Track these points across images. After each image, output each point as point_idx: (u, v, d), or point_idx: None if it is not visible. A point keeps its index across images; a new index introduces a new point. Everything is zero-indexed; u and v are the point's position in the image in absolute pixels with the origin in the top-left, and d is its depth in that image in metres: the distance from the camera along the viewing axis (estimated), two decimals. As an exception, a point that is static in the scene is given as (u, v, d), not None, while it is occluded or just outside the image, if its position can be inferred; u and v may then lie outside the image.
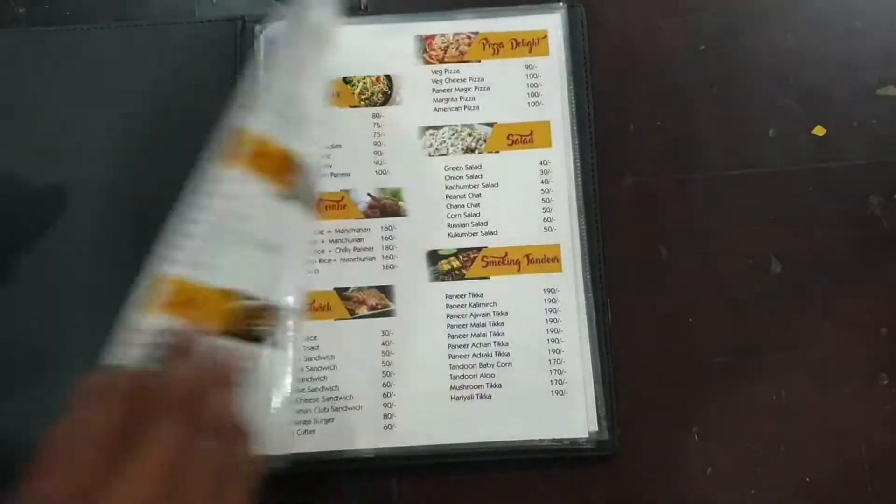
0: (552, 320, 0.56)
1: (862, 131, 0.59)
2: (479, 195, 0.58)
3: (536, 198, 0.58)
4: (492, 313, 0.57)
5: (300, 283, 0.46)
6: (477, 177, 0.58)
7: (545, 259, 0.57)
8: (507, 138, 0.59)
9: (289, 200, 0.45)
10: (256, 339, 0.42)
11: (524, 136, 0.59)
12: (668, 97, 0.61)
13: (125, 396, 0.32)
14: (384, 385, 0.56)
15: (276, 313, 0.43)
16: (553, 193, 0.58)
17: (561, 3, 0.60)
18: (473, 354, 0.56)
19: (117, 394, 0.32)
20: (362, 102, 0.59)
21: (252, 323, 0.42)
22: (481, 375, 0.56)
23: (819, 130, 0.60)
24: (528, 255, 0.57)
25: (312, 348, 0.56)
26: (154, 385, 0.34)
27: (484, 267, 0.57)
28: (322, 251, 0.57)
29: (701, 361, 0.57)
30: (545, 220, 0.58)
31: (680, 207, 0.59)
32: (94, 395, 0.32)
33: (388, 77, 0.60)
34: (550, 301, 0.56)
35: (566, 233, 0.57)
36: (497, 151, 0.59)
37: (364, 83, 0.60)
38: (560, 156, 0.58)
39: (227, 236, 0.43)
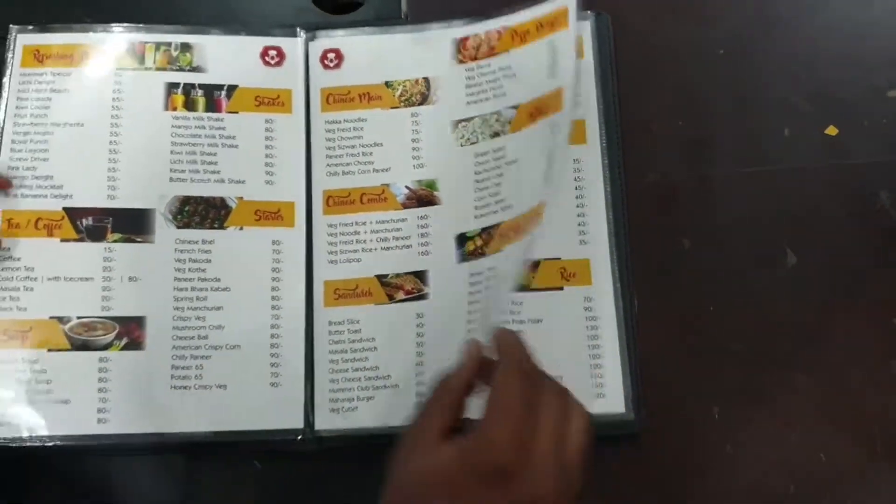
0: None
1: (872, 131, 0.62)
2: (500, 174, 0.61)
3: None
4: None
5: None
6: (500, 157, 0.61)
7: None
8: (530, 116, 0.61)
9: None
10: None
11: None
12: (688, 99, 0.64)
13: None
14: (417, 364, 0.59)
15: None
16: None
17: (589, 12, 0.64)
18: None
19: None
20: (402, 104, 0.63)
21: None
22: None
23: (832, 130, 0.63)
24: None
25: (356, 331, 0.59)
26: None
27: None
28: (365, 241, 0.61)
29: (720, 347, 0.60)
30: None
31: (701, 202, 0.62)
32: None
33: (425, 79, 0.64)
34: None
35: (599, 225, 0.61)
36: (520, 130, 0.61)
37: (404, 86, 0.64)
38: (594, 151, 0.62)
39: None
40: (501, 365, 0.41)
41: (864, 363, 0.59)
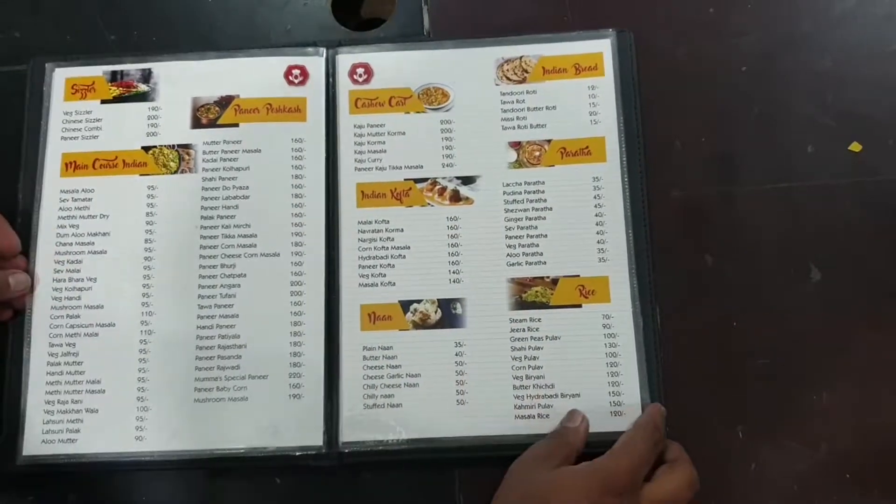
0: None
1: (896, 148, 0.62)
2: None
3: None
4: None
5: None
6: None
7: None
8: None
9: None
10: None
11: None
12: (712, 116, 0.64)
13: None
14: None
15: None
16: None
17: (610, 30, 0.64)
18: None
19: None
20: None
21: None
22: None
23: (855, 147, 0.62)
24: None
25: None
26: None
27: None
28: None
29: (744, 364, 0.59)
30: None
31: (724, 218, 0.62)
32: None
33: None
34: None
35: (618, 243, 0.60)
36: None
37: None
38: (614, 169, 0.61)
39: None
40: (642, 418, 0.55)
41: (892, 381, 0.59)
